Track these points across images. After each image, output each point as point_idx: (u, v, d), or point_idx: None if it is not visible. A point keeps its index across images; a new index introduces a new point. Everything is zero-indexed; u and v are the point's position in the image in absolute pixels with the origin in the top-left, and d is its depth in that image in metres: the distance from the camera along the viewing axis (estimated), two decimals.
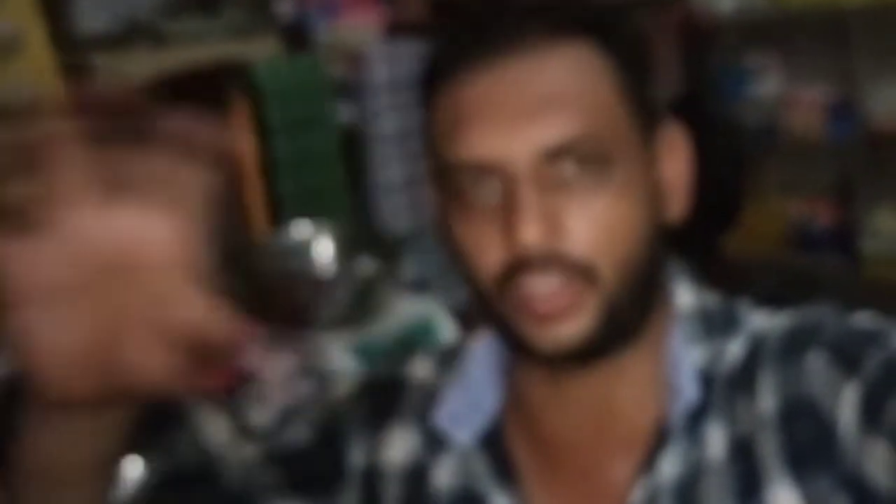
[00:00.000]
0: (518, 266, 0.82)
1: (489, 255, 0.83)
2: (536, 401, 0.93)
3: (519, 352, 0.90)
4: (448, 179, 0.85)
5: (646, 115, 0.87)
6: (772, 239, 3.93)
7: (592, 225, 0.82)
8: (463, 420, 0.94)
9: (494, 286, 0.84)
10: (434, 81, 0.87)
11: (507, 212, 0.81)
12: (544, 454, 0.93)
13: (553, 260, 0.81)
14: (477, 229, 0.84)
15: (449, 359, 1.01)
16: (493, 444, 0.94)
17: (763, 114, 3.85)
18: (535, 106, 0.82)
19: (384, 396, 1.01)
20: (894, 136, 3.53)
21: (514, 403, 0.95)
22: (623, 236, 0.83)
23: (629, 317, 0.87)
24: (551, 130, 0.81)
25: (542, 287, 0.82)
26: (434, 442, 0.97)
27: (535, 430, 0.94)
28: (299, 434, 1.00)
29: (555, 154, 0.81)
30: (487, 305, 0.86)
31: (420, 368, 1.02)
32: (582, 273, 0.82)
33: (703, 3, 3.77)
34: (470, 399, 0.95)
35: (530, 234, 0.80)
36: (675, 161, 0.90)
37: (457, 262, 0.88)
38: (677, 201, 0.90)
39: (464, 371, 0.98)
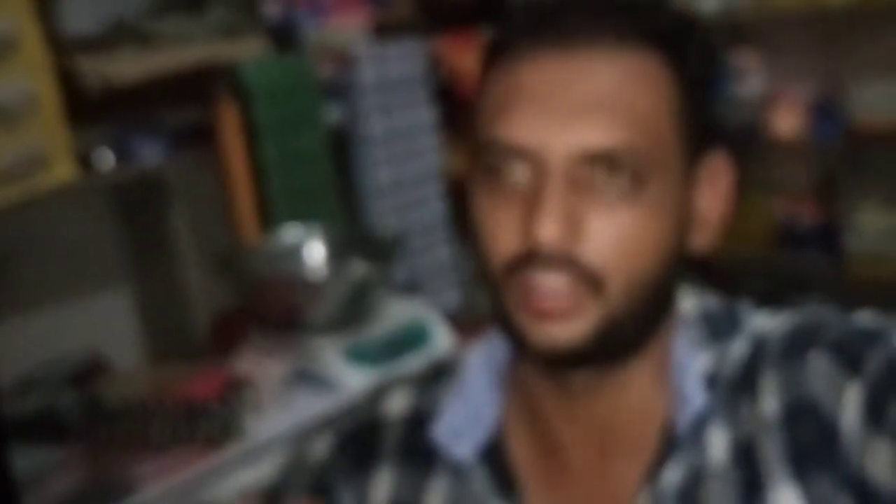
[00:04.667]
0: (528, 258, 0.81)
1: (505, 239, 0.83)
2: (542, 408, 0.92)
3: (518, 347, 0.89)
4: (481, 157, 0.85)
5: (696, 139, 0.86)
6: (757, 238, 3.93)
7: (611, 236, 0.81)
8: (463, 433, 0.94)
9: (502, 272, 0.84)
10: (493, 57, 0.87)
11: (531, 202, 0.81)
12: (548, 462, 0.93)
13: (565, 261, 0.81)
14: (499, 211, 0.83)
15: (440, 375, 1.01)
16: (494, 455, 0.94)
17: (746, 113, 3.85)
18: (587, 106, 0.81)
19: (361, 445, 1.00)
20: (877, 135, 3.55)
21: (517, 411, 0.95)
22: (639, 255, 0.82)
23: (630, 333, 0.86)
24: (595, 134, 0.80)
25: (547, 283, 0.81)
26: (422, 468, 0.96)
27: (539, 438, 0.93)
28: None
29: (592, 158, 0.80)
30: (492, 290, 0.86)
31: (396, 401, 1.01)
32: (589, 281, 0.81)
33: (686, 3, 3.77)
34: (469, 412, 0.95)
35: (548, 231, 0.79)
36: (714, 192, 0.89)
37: (474, 241, 0.88)
38: (706, 233, 0.89)
39: (461, 384, 0.97)
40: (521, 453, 0.94)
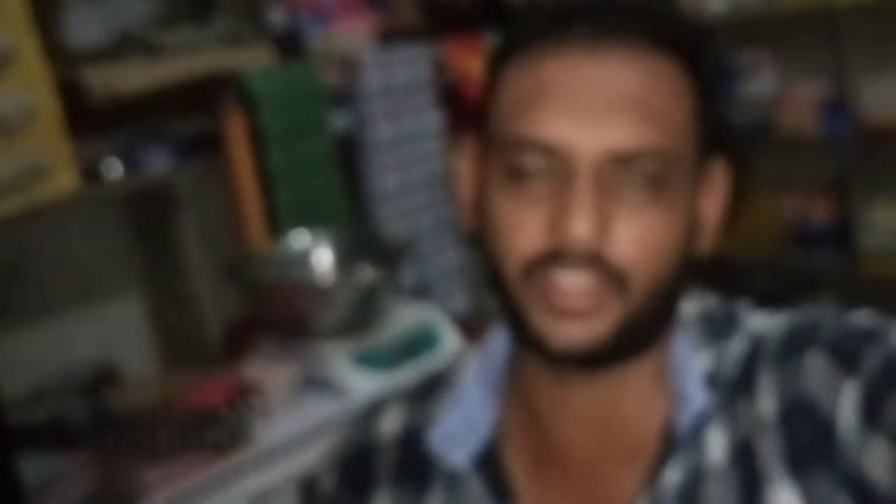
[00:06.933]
0: (555, 256, 0.81)
1: (528, 237, 0.82)
2: (541, 409, 0.92)
3: (527, 347, 0.89)
4: (501, 155, 0.84)
5: (704, 145, 0.86)
6: (768, 237, 3.92)
7: (637, 237, 0.81)
8: (458, 441, 0.94)
9: (522, 271, 0.83)
10: (512, 52, 0.86)
11: (560, 201, 0.80)
12: (546, 465, 0.92)
13: (592, 259, 0.80)
14: (520, 211, 0.83)
15: (433, 387, 1.01)
16: (489, 463, 0.93)
17: (756, 112, 3.84)
18: (616, 106, 0.81)
19: (357, 471, 1.00)
20: (888, 131, 3.54)
21: (514, 416, 0.94)
22: (661, 255, 0.83)
23: (644, 333, 0.87)
24: (625, 135, 0.80)
25: (573, 282, 0.81)
26: (418, 483, 0.96)
27: (537, 440, 0.93)
28: None
29: (622, 159, 0.80)
30: (506, 291, 0.85)
31: (388, 421, 1.01)
32: (615, 280, 0.81)
33: (695, 2, 3.76)
34: (464, 419, 0.95)
35: (580, 227, 0.79)
36: (714, 198, 0.90)
37: (485, 241, 0.87)
38: (706, 239, 0.90)
39: (457, 392, 0.97)
40: (517, 459, 0.94)
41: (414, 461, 0.96)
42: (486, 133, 0.88)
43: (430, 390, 1.01)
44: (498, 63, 0.87)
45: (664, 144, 0.81)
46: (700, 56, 0.86)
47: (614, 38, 0.82)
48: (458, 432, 0.94)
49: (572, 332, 0.82)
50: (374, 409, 1.04)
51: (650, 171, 0.81)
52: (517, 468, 0.93)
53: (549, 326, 0.83)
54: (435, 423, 0.96)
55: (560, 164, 0.81)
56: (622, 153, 0.80)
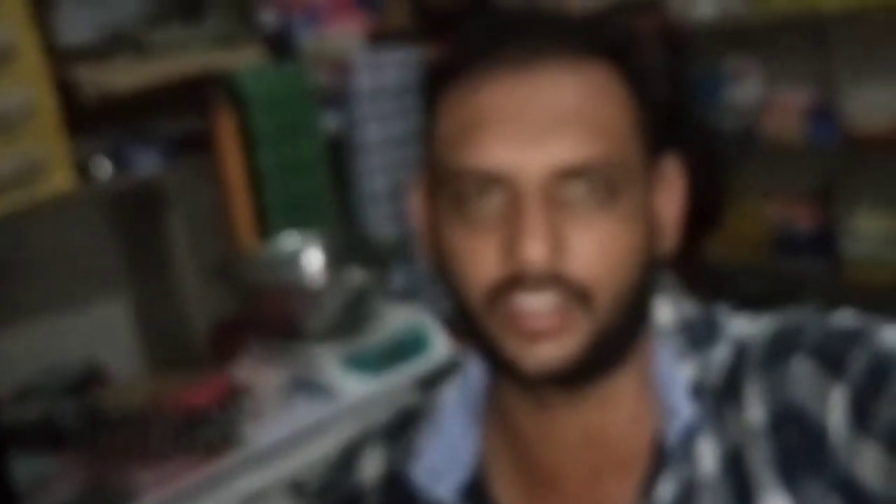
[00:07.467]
0: (515, 282, 0.80)
1: (485, 267, 0.81)
2: (525, 434, 0.91)
3: (502, 374, 0.88)
4: (448, 187, 0.83)
5: (650, 144, 0.86)
6: (752, 243, 3.94)
7: (594, 249, 0.81)
8: (442, 474, 0.93)
9: (485, 301, 0.82)
10: (444, 82, 0.85)
11: (512, 226, 0.80)
12: (536, 489, 0.92)
13: (552, 280, 0.80)
14: (474, 240, 0.82)
15: (409, 421, 1.00)
16: (476, 493, 0.93)
17: (742, 118, 3.86)
18: (554, 123, 0.80)
19: None
20: (873, 139, 3.56)
21: (499, 444, 0.94)
22: (622, 264, 0.82)
23: (616, 344, 0.86)
24: (567, 150, 0.80)
25: (537, 305, 0.80)
26: None
27: (524, 467, 0.92)
28: None
29: (567, 174, 0.80)
30: (473, 322, 0.84)
31: (369, 465, 1.00)
32: (578, 296, 0.81)
33: (682, 8, 3.77)
34: (447, 449, 0.94)
35: (535, 251, 0.78)
36: (670, 196, 0.90)
37: (445, 273, 0.86)
38: (667, 237, 0.90)
39: (437, 424, 0.96)
40: (505, 486, 0.93)
41: (399, 501, 0.96)
42: (430, 166, 0.87)
43: (405, 424, 1.00)
44: (431, 95, 0.87)
45: (608, 153, 0.81)
46: (633, 57, 0.86)
47: (544, 54, 0.82)
48: (442, 464, 0.93)
49: (543, 353, 0.82)
50: (351, 452, 1.03)
51: (598, 181, 0.81)
52: (506, 495, 0.92)
53: (521, 351, 0.82)
54: (417, 456, 0.95)
55: (507, 189, 0.81)
56: (567, 169, 0.80)
